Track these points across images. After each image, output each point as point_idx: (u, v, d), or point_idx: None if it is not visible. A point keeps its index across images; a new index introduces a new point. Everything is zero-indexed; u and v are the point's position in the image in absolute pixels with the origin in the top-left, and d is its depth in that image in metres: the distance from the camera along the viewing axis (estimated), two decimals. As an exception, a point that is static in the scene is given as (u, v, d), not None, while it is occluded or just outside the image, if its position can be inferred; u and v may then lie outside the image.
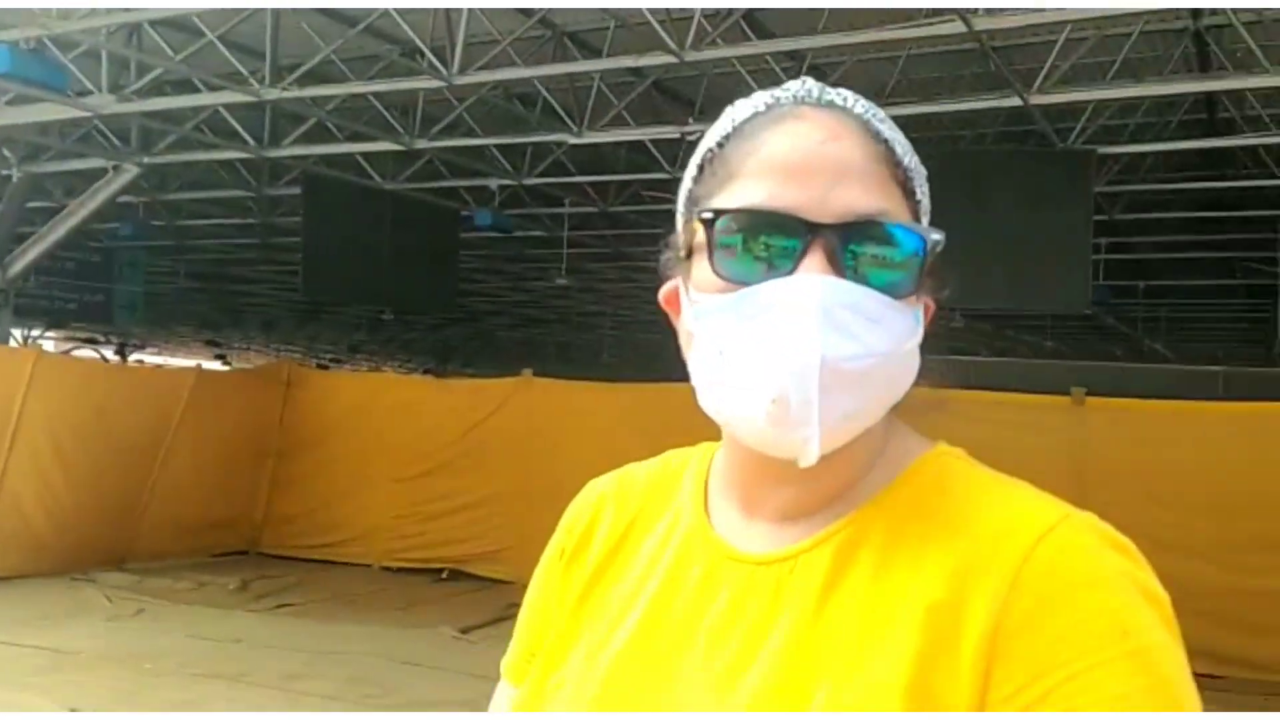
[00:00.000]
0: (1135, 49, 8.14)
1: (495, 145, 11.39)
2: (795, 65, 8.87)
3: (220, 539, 9.83)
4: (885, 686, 0.69)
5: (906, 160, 0.79)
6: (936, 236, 0.76)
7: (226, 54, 8.82)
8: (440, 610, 8.09)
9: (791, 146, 0.76)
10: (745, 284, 0.75)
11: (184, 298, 22.99)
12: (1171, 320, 19.12)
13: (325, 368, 25.54)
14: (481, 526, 9.25)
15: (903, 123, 0.86)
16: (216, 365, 24.58)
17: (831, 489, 0.79)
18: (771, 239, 0.74)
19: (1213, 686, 6.51)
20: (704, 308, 0.77)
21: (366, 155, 12.09)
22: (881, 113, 0.81)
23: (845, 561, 0.76)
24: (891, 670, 0.70)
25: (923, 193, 0.81)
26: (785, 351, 0.71)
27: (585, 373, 12.03)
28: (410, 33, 8.15)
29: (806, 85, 0.81)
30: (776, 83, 0.87)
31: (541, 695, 0.85)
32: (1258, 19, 7.30)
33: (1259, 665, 6.58)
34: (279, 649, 6.58)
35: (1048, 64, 7.84)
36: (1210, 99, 9.44)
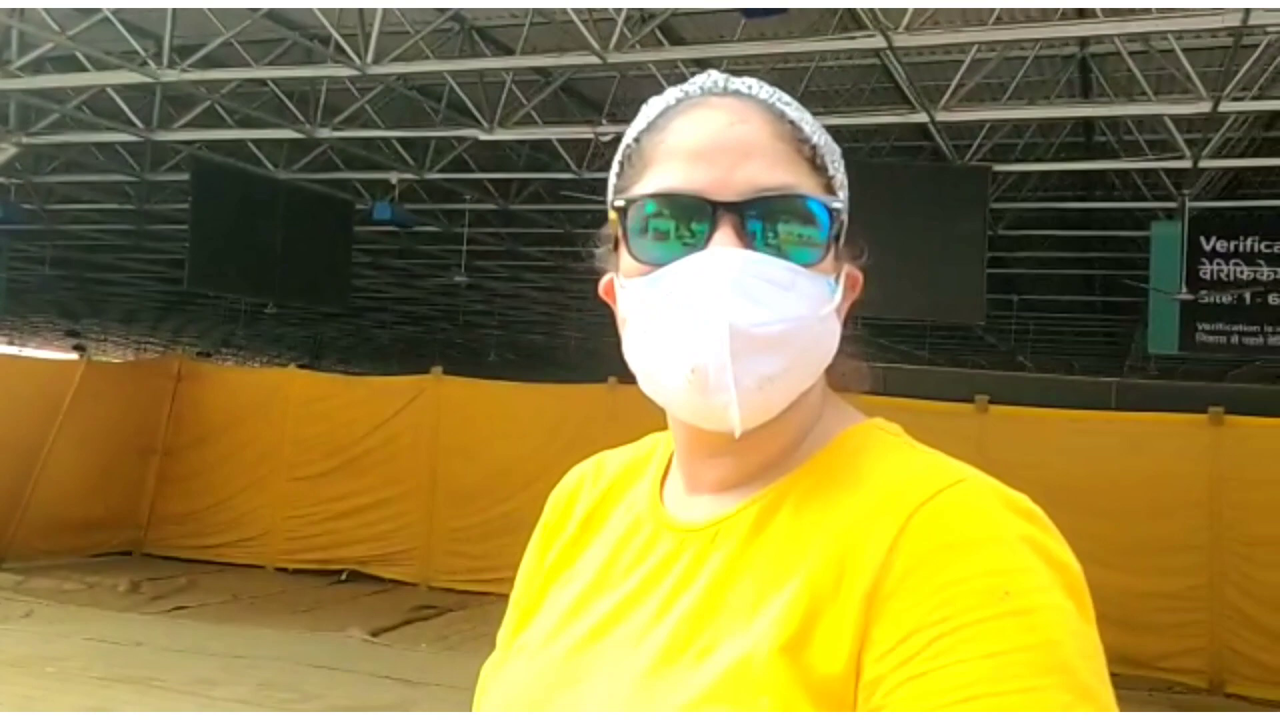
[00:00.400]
0: (1027, 73, 8.56)
1: (398, 138, 11.24)
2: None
3: (103, 538, 9.36)
4: (768, 640, 0.71)
5: (815, 138, 0.83)
6: (837, 205, 0.81)
7: (123, 32, 8.47)
8: (346, 613, 7.91)
9: (697, 132, 0.81)
10: (662, 264, 0.79)
11: (46, 285, 21.82)
12: (1038, 333, 20.12)
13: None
14: (385, 527, 9.07)
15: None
16: (73, 356, 23.42)
17: (764, 459, 0.82)
18: (681, 219, 0.79)
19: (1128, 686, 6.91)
20: (628, 291, 0.82)
21: (260, 143, 11.75)
22: (786, 96, 0.85)
23: (761, 525, 0.79)
24: (776, 625, 0.72)
25: (835, 167, 0.84)
26: (697, 321, 0.75)
27: (472, 372, 11.94)
28: (323, 20, 7.96)
29: (713, 77, 0.86)
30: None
31: (505, 657, 0.90)
32: (1144, 49, 7.74)
33: (1143, 663, 6.98)
34: (184, 653, 6.32)
35: (954, 81, 8.16)
36: (1089, 123, 9.99)
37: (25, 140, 11.13)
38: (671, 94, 0.87)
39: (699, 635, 0.75)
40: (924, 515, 0.72)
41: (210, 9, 8.19)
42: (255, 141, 11.67)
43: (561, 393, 8.16)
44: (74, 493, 8.88)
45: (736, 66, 8.91)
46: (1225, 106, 7.43)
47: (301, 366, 27.95)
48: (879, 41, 7.01)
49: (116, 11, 8.29)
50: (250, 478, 9.40)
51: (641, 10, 7.82)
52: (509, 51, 8.87)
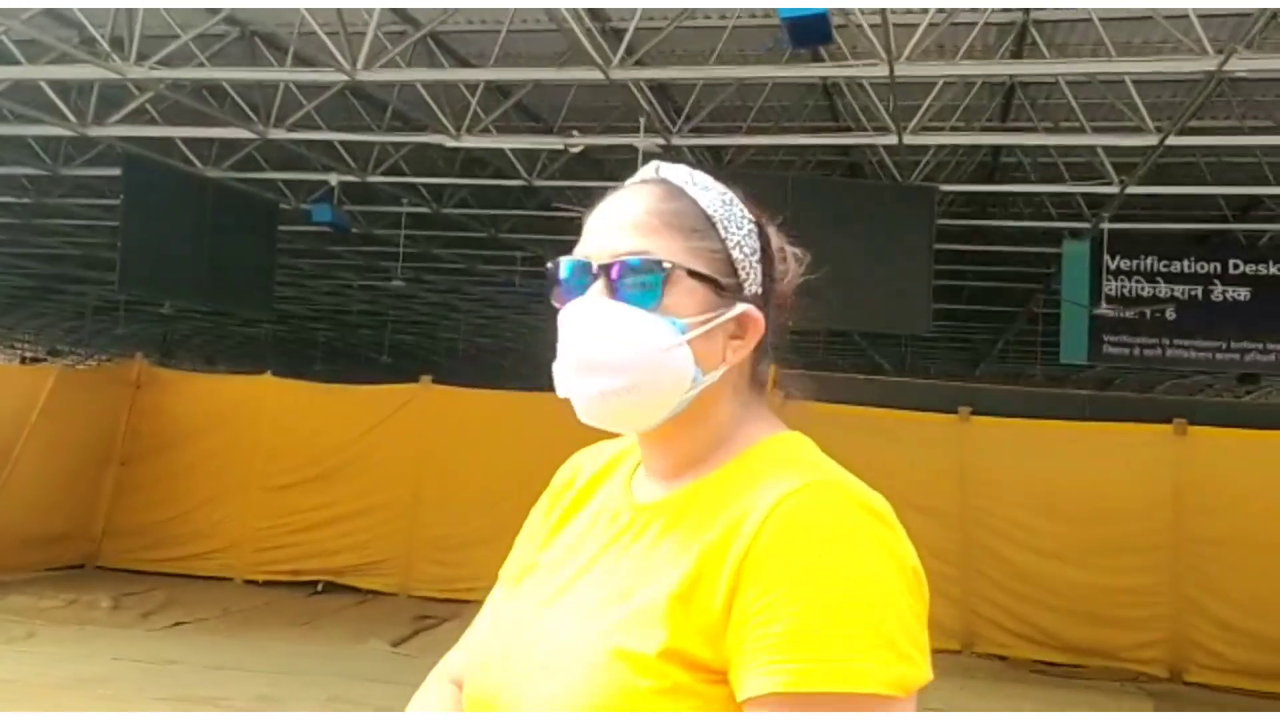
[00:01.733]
0: (960, 98, 9.21)
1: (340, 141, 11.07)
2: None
3: (56, 552, 8.88)
4: (666, 589, 0.97)
5: (711, 211, 1.07)
6: (667, 265, 1.04)
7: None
8: (348, 625, 7.85)
9: (598, 213, 1.10)
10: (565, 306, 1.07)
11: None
12: (911, 339, 21.24)
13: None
14: (361, 537, 8.97)
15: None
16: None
17: (688, 453, 1.07)
18: (578, 277, 1.07)
19: (1076, 675, 7.61)
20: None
21: (189, 141, 11.36)
22: (704, 178, 1.11)
23: (686, 506, 1.03)
24: (675, 579, 0.97)
25: (729, 232, 1.08)
26: (560, 348, 1.05)
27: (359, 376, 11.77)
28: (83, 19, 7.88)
29: (650, 167, 1.13)
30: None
31: (507, 592, 1.15)
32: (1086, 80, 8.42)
33: (1111, 655, 7.69)
34: (227, 670, 6.19)
35: (923, 107, 8.70)
36: (998, 148, 10.74)
37: (-64, 131, 10.44)
38: (620, 184, 1.13)
39: (629, 583, 1.01)
40: (783, 506, 0.94)
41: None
42: (184, 139, 11.30)
43: (541, 401, 8.29)
44: (34, 505, 8.44)
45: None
46: (1173, 140, 8.22)
47: (159, 364, 26.75)
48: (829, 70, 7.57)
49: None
50: (216, 488, 9.12)
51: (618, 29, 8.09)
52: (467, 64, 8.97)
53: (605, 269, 1.05)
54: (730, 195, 1.11)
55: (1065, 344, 11.29)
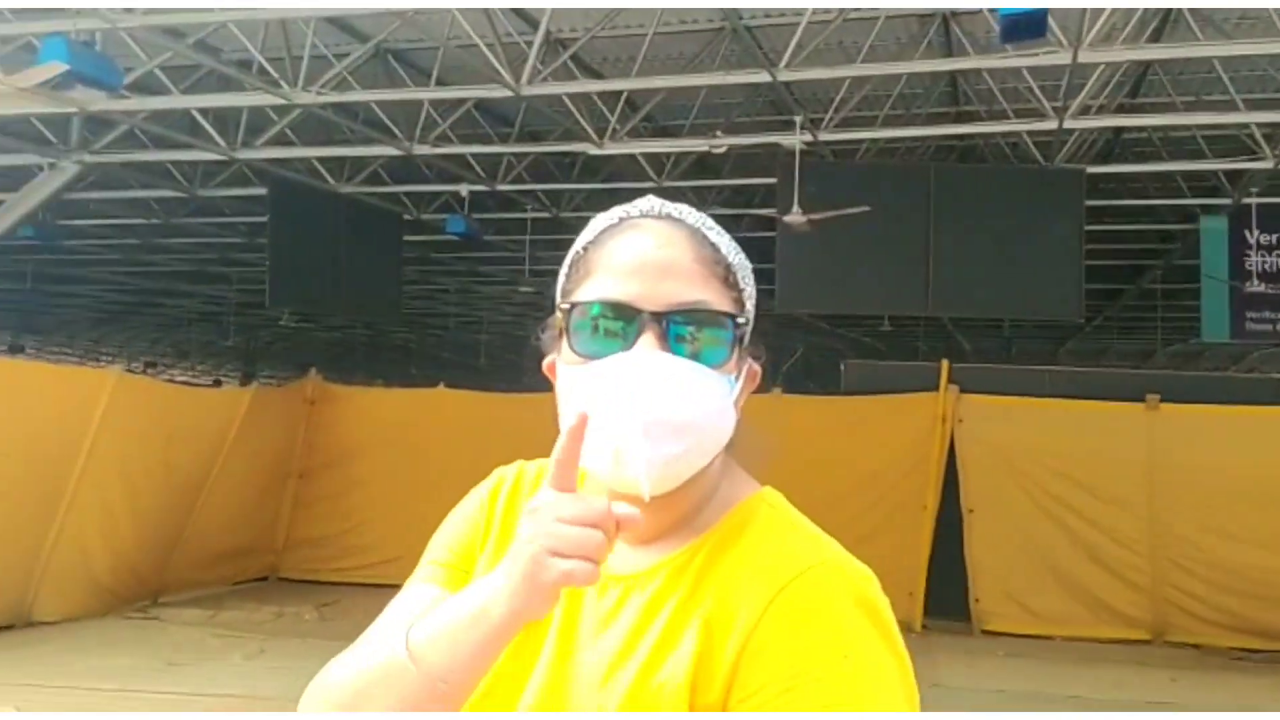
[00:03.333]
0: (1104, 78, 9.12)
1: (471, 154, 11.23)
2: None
3: (243, 566, 9.21)
4: (675, 675, 0.92)
5: (731, 258, 1.02)
6: (741, 318, 0.99)
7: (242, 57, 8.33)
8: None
9: (631, 251, 0.98)
10: (596, 359, 0.95)
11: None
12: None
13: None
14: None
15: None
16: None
17: (670, 519, 1.00)
18: (613, 323, 0.96)
19: (1271, 660, 7.57)
20: (568, 376, 0.99)
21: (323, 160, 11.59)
22: (711, 221, 1.04)
23: (673, 582, 0.97)
24: (679, 666, 0.92)
25: (745, 282, 1.03)
26: (620, 411, 0.91)
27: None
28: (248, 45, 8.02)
29: (651, 202, 1.04)
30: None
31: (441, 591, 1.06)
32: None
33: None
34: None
35: (1085, 89, 8.67)
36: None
37: (88, 159, 10.76)
38: (616, 213, 1.04)
39: (621, 665, 0.95)
40: (789, 590, 0.91)
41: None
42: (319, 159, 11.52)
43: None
44: (226, 521, 8.71)
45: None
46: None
47: (246, 376, 27.20)
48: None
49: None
50: (391, 498, 9.30)
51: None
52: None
53: (662, 318, 0.95)
54: (735, 243, 1.05)
55: (1206, 322, 11.17)
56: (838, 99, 9.35)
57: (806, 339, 22.93)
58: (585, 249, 1.02)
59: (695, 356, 0.95)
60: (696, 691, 0.91)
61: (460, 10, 7.45)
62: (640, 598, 0.98)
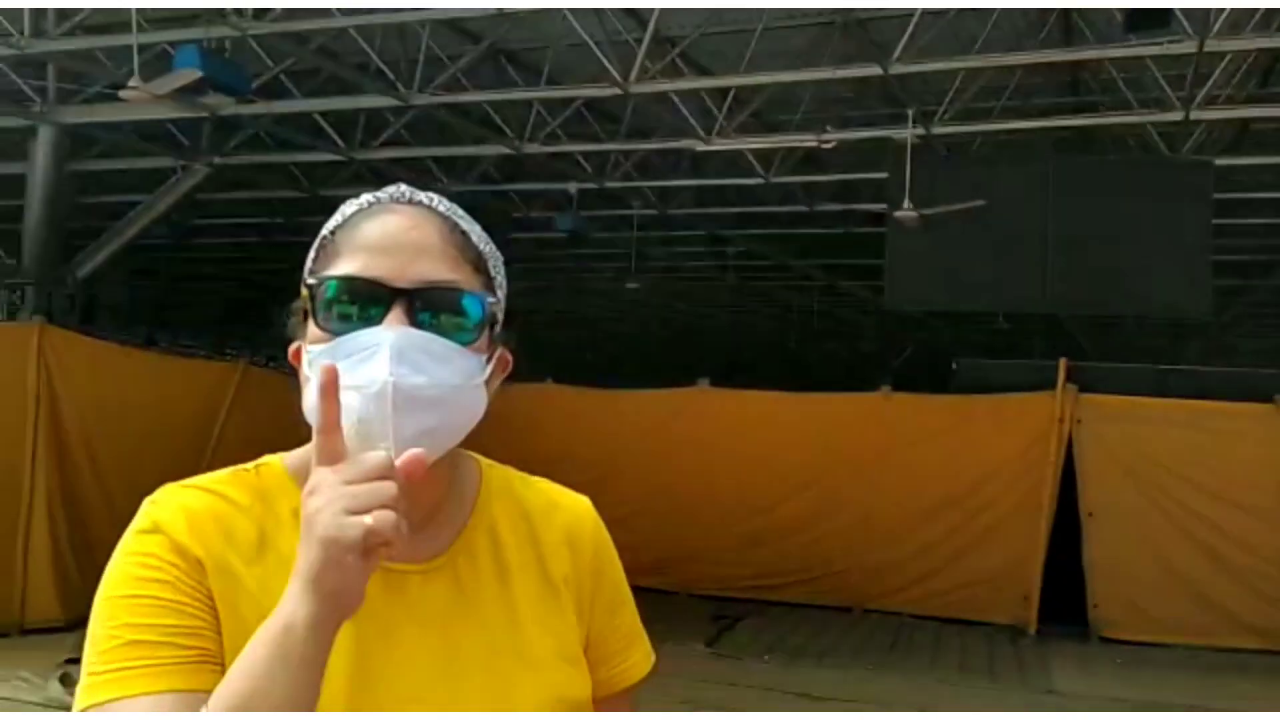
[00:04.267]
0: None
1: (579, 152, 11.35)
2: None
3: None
4: (568, 634, 1.08)
5: (481, 246, 1.05)
6: (490, 300, 1.02)
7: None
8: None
9: (381, 232, 1.00)
10: (343, 335, 0.95)
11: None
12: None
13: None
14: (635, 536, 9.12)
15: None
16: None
17: (429, 501, 1.03)
18: (362, 300, 0.96)
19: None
20: (312, 355, 0.97)
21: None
22: (460, 210, 1.06)
23: (490, 556, 1.07)
24: (567, 625, 1.08)
25: (496, 270, 1.06)
26: (363, 380, 0.91)
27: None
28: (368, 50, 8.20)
29: (401, 189, 1.06)
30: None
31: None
32: None
33: None
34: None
35: (1211, 78, 8.33)
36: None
37: (218, 161, 11.24)
38: (365, 198, 1.05)
39: (507, 637, 1.04)
40: (598, 531, 1.15)
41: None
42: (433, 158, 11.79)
43: (830, 401, 8.33)
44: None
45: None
46: None
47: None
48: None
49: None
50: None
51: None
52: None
53: (410, 295, 0.96)
54: (483, 231, 1.07)
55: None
56: (952, 91, 9.17)
57: (916, 336, 22.56)
58: (334, 232, 1.03)
59: (443, 334, 0.97)
60: (580, 628, 1.09)
61: (571, 10, 7.54)
62: (465, 580, 1.04)
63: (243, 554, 0.99)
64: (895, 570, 9.06)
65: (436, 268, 0.99)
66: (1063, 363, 8.51)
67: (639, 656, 1.15)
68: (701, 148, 10.00)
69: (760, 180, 11.37)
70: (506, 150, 10.50)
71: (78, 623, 6.97)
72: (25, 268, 10.04)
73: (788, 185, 11.68)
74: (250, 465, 1.07)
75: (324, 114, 10.28)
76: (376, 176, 12.02)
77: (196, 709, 0.86)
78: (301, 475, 0.96)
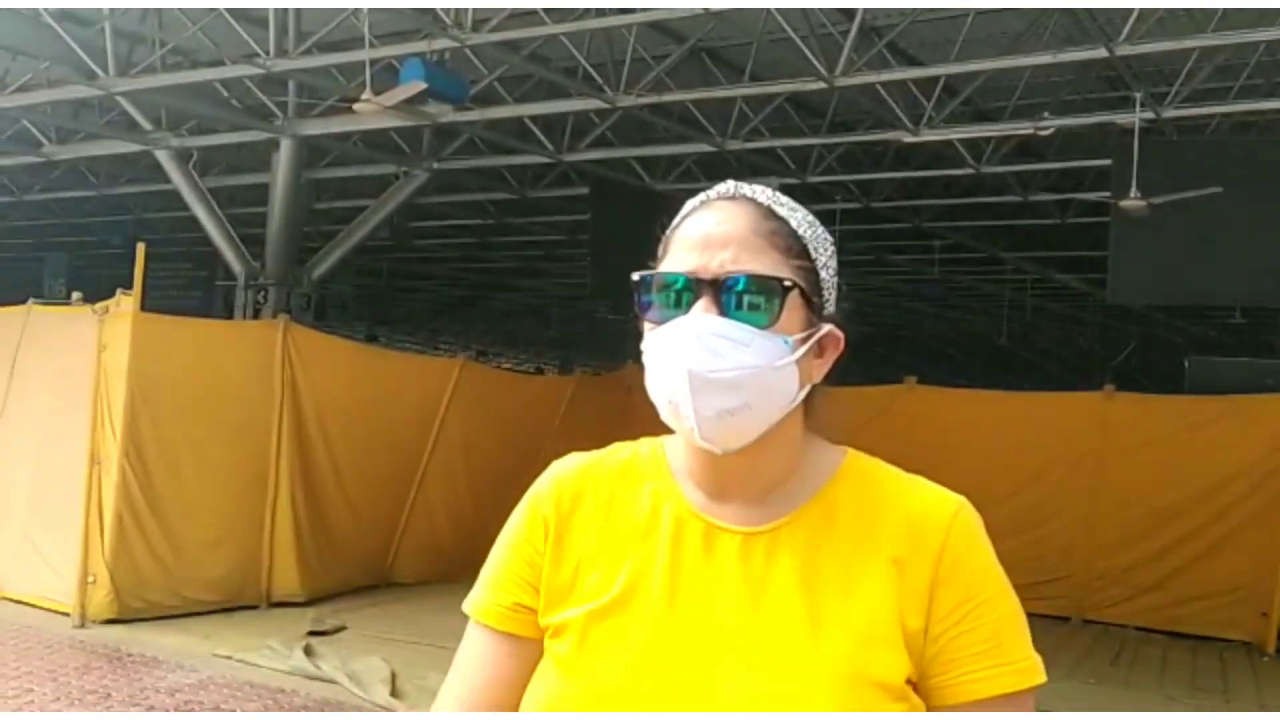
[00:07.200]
0: None
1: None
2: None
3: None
4: (881, 612, 1.03)
5: (802, 230, 1.10)
6: (789, 284, 1.05)
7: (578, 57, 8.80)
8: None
9: (696, 229, 1.09)
10: (662, 324, 1.06)
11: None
12: None
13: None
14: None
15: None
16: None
17: (768, 480, 1.09)
18: (675, 292, 1.06)
19: None
20: (646, 341, 1.08)
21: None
22: (784, 198, 1.12)
23: (820, 531, 1.07)
24: (881, 603, 1.03)
25: (817, 253, 1.10)
26: (668, 365, 1.03)
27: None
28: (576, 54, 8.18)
29: (727, 185, 1.14)
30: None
31: (582, 658, 1.06)
32: None
33: None
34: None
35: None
36: None
37: (436, 166, 11.84)
38: (700, 197, 1.14)
39: (807, 615, 1.03)
40: (955, 530, 1.06)
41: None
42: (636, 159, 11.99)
43: (1046, 400, 7.96)
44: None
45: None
46: None
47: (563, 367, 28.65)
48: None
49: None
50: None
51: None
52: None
53: (717, 284, 1.05)
54: (813, 217, 1.13)
55: None
56: (1185, 71, 8.59)
57: (1141, 332, 21.25)
58: (672, 231, 1.14)
59: (745, 319, 1.04)
60: (904, 615, 1.03)
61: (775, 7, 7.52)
62: (785, 551, 1.06)
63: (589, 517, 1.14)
64: (1118, 580, 8.60)
65: (738, 257, 1.06)
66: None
67: (992, 672, 1.03)
68: (910, 139, 9.77)
69: (971, 170, 11.00)
70: (709, 148, 10.55)
71: (317, 599, 7.68)
72: (268, 270, 10.88)
73: (1000, 175, 11.24)
74: (649, 440, 1.21)
75: (533, 118, 10.63)
76: (582, 177, 12.38)
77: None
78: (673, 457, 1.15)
